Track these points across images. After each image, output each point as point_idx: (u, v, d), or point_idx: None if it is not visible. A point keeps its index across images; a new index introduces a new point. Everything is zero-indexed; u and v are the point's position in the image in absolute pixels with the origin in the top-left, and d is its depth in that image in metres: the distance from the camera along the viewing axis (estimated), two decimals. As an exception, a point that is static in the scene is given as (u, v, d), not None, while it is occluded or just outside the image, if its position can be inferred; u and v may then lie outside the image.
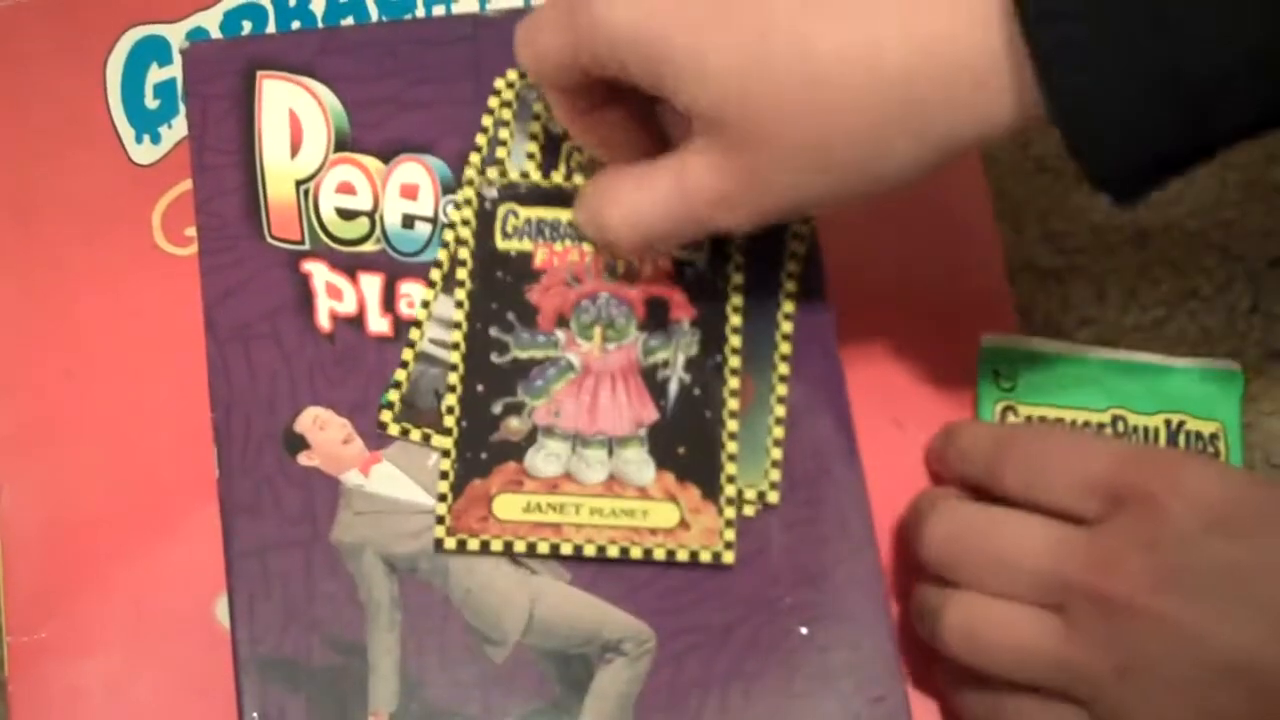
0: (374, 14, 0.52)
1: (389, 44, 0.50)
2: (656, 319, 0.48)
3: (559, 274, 0.48)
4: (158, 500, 0.47)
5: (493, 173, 0.49)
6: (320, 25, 0.51)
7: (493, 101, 0.50)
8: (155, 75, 0.51)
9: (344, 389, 0.47)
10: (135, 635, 0.46)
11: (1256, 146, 0.52)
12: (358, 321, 0.48)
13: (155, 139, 0.51)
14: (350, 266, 0.48)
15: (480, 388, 0.47)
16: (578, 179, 0.49)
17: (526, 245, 0.48)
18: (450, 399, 0.47)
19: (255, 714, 0.44)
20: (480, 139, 0.49)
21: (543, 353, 0.47)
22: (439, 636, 0.45)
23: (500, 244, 0.48)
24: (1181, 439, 0.49)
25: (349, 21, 0.52)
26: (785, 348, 0.48)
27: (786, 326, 0.48)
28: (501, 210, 0.48)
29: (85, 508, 0.47)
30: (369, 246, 0.49)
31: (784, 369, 0.48)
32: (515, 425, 0.47)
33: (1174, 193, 0.52)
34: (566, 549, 0.46)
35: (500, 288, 0.48)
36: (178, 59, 0.51)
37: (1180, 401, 0.50)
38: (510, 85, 0.50)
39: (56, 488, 0.47)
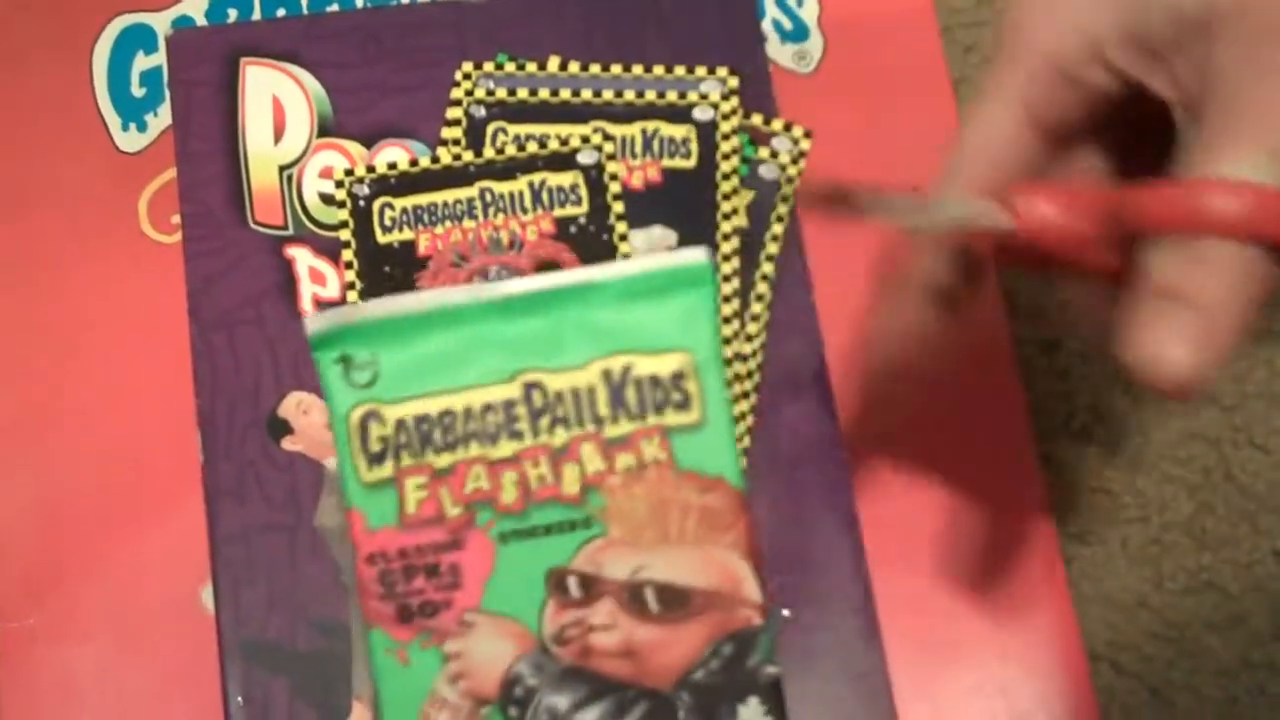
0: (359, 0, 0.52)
1: (373, 30, 0.51)
2: None
3: (445, 256, 0.48)
4: (144, 486, 0.47)
5: (361, 169, 0.49)
6: (305, 12, 0.52)
7: (456, 93, 0.50)
8: (141, 63, 0.51)
9: (327, 374, 0.47)
10: (123, 621, 0.46)
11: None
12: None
13: (141, 127, 0.51)
14: (333, 251, 0.48)
15: None
16: (444, 155, 0.48)
17: (408, 235, 0.48)
18: None
19: (239, 697, 0.45)
20: (447, 132, 0.49)
21: None
22: (423, 620, 0.45)
23: (381, 238, 0.48)
24: (631, 394, 0.36)
25: (334, 8, 0.52)
26: (752, 328, 0.48)
27: (757, 308, 0.48)
28: (377, 205, 0.48)
29: (72, 494, 0.47)
30: (351, 231, 0.49)
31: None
32: None
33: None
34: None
35: (390, 282, 0.48)
36: (164, 47, 0.51)
37: (622, 336, 0.36)
38: (467, 76, 0.50)
39: (43, 474, 0.47)
